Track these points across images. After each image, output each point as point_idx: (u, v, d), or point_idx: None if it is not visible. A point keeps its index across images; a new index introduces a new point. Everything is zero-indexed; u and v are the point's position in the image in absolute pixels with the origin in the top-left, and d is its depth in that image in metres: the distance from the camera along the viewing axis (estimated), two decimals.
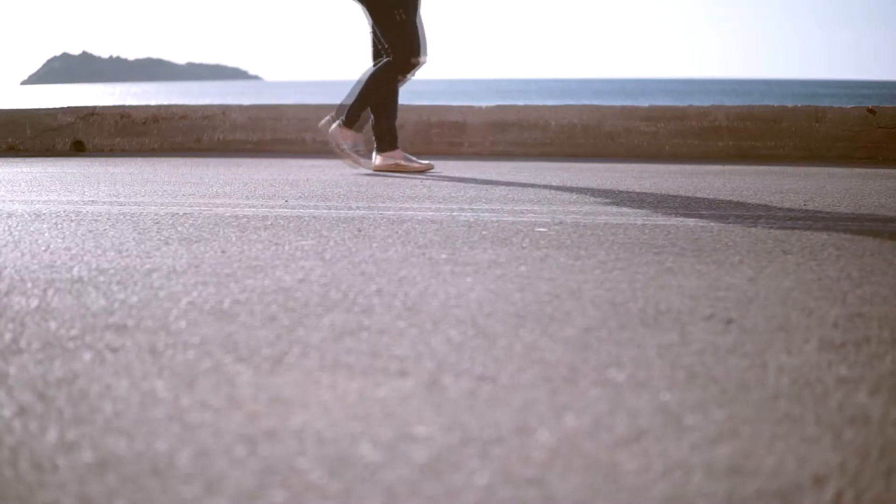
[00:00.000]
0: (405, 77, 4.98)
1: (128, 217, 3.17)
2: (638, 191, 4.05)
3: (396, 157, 5.02)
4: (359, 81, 5.02)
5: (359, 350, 1.54)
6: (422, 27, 4.96)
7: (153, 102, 8.43)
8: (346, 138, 5.00)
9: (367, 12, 4.94)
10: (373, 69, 4.99)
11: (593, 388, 1.36)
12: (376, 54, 5.06)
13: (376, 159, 5.05)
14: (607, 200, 3.67)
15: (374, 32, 5.01)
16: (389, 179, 4.58)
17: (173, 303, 1.88)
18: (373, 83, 4.95)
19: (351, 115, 4.98)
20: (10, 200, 3.70)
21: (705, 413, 1.25)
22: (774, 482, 1.03)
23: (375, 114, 5.04)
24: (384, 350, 1.54)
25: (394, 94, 5.04)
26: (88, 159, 6.26)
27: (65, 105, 7.37)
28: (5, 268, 2.26)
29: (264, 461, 1.08)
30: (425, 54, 4.94)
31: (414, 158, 5.12)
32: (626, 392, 1.34)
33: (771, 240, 2.70)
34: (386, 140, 5.03)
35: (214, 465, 1.07)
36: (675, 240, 2.69)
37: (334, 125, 5.03)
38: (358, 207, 3.43)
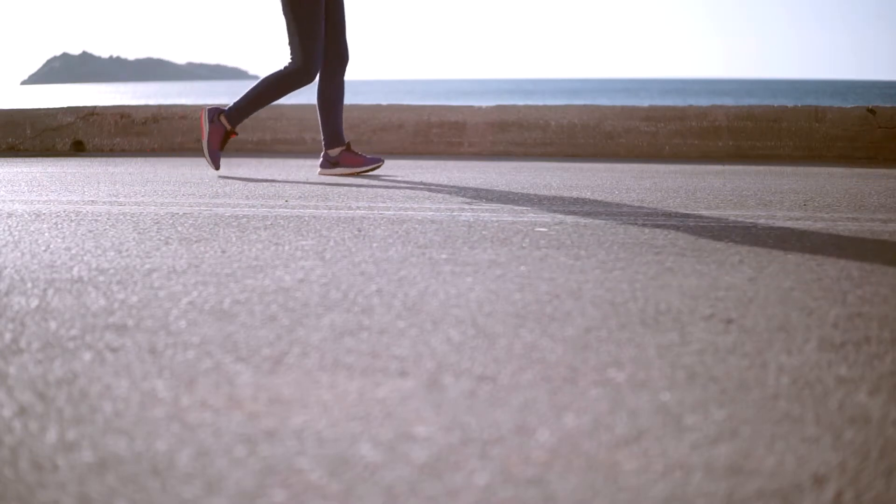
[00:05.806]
0: None
1: (128, 217, 3.17)
2: (638, 191, 4.05)
3: None
4: None
5: (359, 350, 1.54)
6: None
7: (153, 102, 8.42)
8: None
9: None
10: None
11: (593, 388, 1.36)
12: None
13: None
14: (607, 200, 3.67)
15: None
16: (388, 180, 4.58)
17: (173, 303, 1.88)
18: None
19: None
20: (10, 200, 3.70)
21: (705, 413, 1.25)
22: (774, 482, 1.03)
23: None
24: (384, 350, 1.54)
25: None
26: (88, 159, 6.26)
27: (65, 105, 7.37)
28: (5, 268, 2.26)
29: (264, 461, 1.08)
30: None
31: None
32: (626, 392, 1.34)
33: (771, 240, 2.70)
34: None
35: (214, 465, 1.07)
36: (675, 240, 2.69)
37: None
38: (358, 207, 3.42)
